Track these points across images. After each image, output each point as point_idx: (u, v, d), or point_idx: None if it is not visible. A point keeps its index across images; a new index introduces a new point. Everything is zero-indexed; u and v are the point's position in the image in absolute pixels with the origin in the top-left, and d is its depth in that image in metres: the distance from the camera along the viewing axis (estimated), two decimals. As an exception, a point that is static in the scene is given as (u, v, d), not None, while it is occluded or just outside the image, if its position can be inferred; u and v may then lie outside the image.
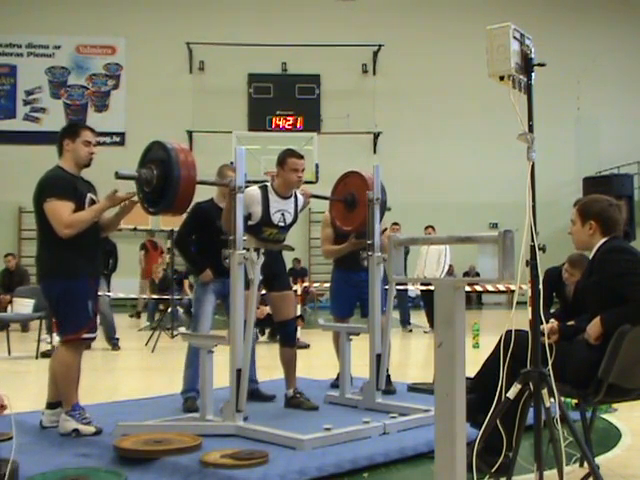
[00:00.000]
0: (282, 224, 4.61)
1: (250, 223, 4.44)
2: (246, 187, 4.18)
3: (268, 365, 6.08)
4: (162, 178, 3.82)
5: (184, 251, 5.03)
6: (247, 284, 3.98)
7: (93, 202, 4.07)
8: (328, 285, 16.62)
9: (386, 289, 5.46)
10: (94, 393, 4.09)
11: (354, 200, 4.93)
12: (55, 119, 19.45)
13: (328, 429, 3.80)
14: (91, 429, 3.92)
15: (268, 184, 4.66)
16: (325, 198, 5.16)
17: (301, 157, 4.62)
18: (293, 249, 4.83)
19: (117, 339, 8.85)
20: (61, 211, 3.86)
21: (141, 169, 3.90)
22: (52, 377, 4.10)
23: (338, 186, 5.13)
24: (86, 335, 3.99)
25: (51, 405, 4.11)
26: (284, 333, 4.73)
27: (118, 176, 3.83)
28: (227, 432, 3.87)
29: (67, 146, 4.09)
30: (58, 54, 19.73)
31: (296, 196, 4.72)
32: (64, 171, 4.05)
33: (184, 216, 4.76)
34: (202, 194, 4.55)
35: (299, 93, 19.82)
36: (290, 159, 4.57)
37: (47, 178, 4.03)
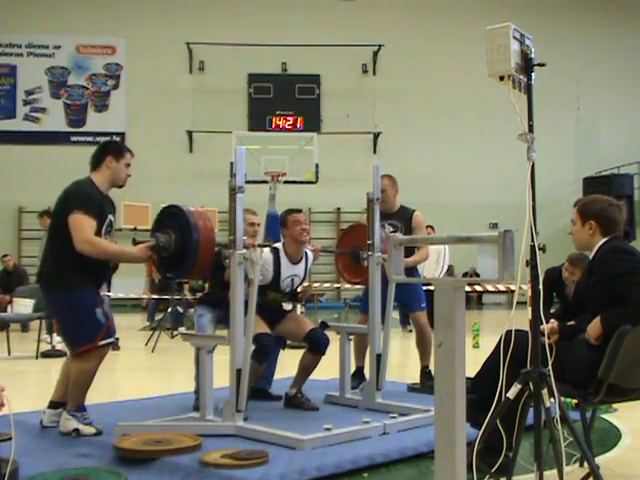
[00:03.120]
0: (289, 289, 4.70)
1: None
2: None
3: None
4: (180, 243, 3.83)
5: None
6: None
7: (111, 223, 4.06)
8: (328, 285, 16.54)
9: (425, 290, 5.49)
10: (94, 393, 4.08)
11: (359, 254, 4.89)
12: (55, 119, 19.48)
13: (328, 429, 3.79)
14: (91, 430, 3.90)
15: (280, 247, 4.67)
16: (333, 252, 5.24)
17: (300, 211, 4.75)
18: (284, 301, 4.82)
19: (117, 339, 8.83)
20: (85, 225, 3.83)
21: (158, 234, 3.91)
22: (63, 377, 4.07)
23: (344, 238, 5.17)
24: (102, 342, 3.90)
25: (54, 404, 4.08)
26: (314, 342, 4.56)
27: (135, 242, 3.91)
28: (227, 432, 3.87)
29: (110, 163, 4.05)
30: (58, 54, 19.73)
31: (307, 256, 4.77)
32: (95, 187, 4.02)
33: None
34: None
35: (299, 93, 19.83)
36: (289, 216, 4.68)
37: (78, 190, 3.99)
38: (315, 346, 4.57)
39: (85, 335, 3.88)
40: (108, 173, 4.05)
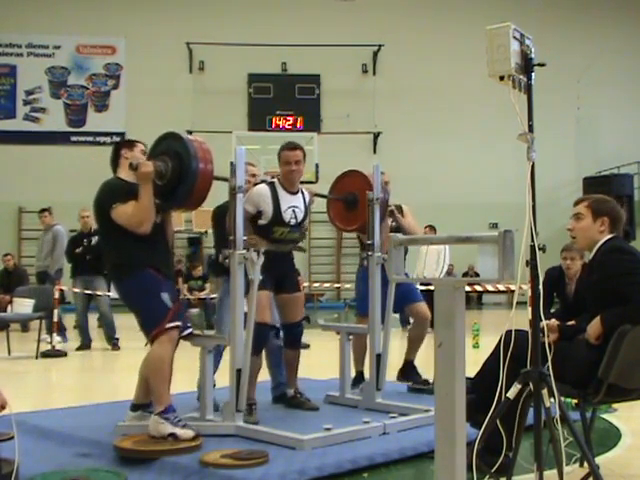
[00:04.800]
0: (294, 221, 4.49)
1: (261, 223, 4.38)
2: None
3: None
4: (178, 171, 3.75)
5: None
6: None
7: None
8: (328, 285, 16.54)
9: (423, 291, 5.45)
10: (94, 393, 4.08)
11: (355, 200, 4.86)
12: (55, 119, 19.48)
13: (328, 429, 3.80)
14: (189, 433, 3.64)
15: (275, 180, 4.57)
16: (328, 197, 5.08)
17: (294, 148, 4.51)
18: (304, 250, 4.76)
19: (117, 339, 8.85)
20: (125, 211, 3.80)
21: (155, 161, 3.81)
22: (140, 379, 3.99)
23: (336, 185, 5.07)
24: (169, 325, 3.78)
25: (135, 407, 4.01)
26: (290, 335, 4.63)
27: (132, 167, 3.80)
28: (227, 432, 3.87)
29: (125, 154, 4.06)
30: (58, 54, 19.73)
31: (303, 192, 4.65)
32: (122, 180, 4.00)
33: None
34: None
35: (299, 93, 19.83)
36: (282, 152, 4.51)
37: (107, 186, 3.98)
38: (289, 340, 4.62)
39: (152, 319, 3.80)
40: (128, 164, 4.00)
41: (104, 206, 3.87)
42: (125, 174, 4.02)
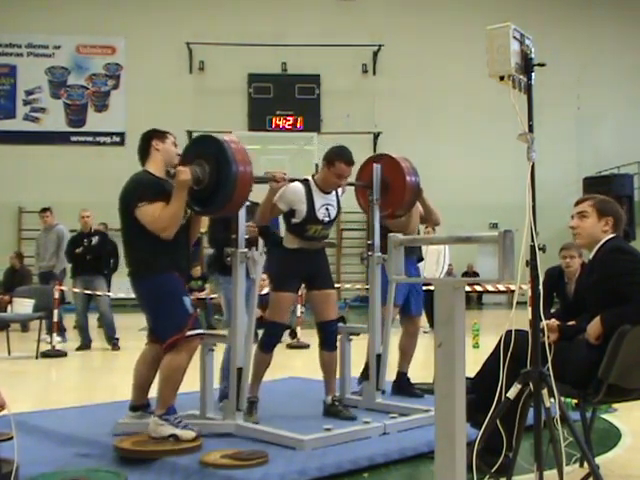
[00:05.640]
0: (327, 219, 4.43)
1: (294, 221, 4.33)
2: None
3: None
4: (216, 176, 3.66)
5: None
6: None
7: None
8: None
9: (424, 291, 5.39)
10: (94, 393, 4.08)
11: (387, 185, 4.72)
12: (55, 119, 19.47)
13: (328, 429, 3.80)
14: (190, 434, 3.62)
15: (309, 178, 4.47)
16: (359, 185, 4.90)
17: (351, 163, 4.37)
18: (335, 245, 4.66)
19: (117, 339, 8.85)
20: (151, 213, 3.68)
21: (191, 166, 3.69)
22: (136, 380, 3.97)
23: (363, 171, 4.89)
24: (191, 333, 3.70)
25: (134, 408, 3.97)
26: (324, 335, 4.45)
27: (170, 175, 3.75)
28: (227, 431, 3.87)
29: (157, 145, 3.91)
30: (58, 54, 19.73)
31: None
32: (152, 175, 3.87)
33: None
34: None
35: (299, 93, 19.82)
36: (338, 163, 4.33)
37: (135, 181, 3.83)
38: (322, 341, 4.45)
39: (174, 324, 3.68)
40: (159, 156, 3.89)
41: (129, 203, 3.74)
42: (155, 167, 3.89)
